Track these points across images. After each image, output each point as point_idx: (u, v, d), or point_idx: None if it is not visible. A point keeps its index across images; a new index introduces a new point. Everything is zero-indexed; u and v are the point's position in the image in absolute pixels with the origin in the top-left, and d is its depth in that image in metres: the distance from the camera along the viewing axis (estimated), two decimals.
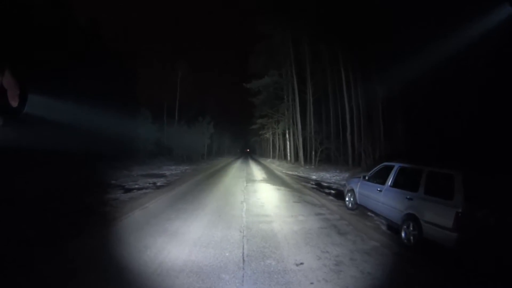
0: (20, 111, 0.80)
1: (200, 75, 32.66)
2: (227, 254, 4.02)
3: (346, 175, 15.14)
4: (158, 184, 11.55)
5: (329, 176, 16.38)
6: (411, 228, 4.67)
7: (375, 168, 6.82)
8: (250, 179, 14.55)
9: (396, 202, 5.31)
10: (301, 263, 3.78)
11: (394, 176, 5.77)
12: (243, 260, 3.83)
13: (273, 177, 16.25)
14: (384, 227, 5.83)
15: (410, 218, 4.74)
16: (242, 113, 46.74)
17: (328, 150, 23.85)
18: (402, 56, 14.37)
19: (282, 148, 38.16)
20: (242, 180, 14.14)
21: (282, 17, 25.13)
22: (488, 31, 9.08)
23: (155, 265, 3.57)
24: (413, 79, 13.30)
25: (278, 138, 39.42)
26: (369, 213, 6.73)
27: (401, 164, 5.79)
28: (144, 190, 9.73)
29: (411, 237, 4.65)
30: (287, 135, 32.71)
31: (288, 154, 31.79)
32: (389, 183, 5.79)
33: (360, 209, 7.13)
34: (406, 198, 5.01)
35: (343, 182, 11.23)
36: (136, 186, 10.67)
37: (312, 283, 3.25)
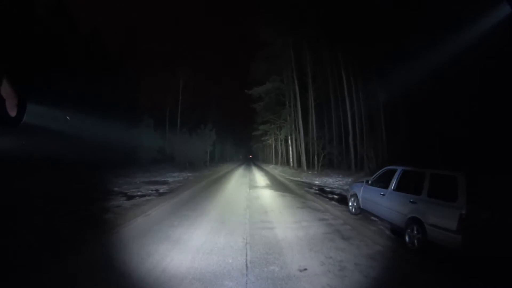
0: (19, 120, 0.80)
1: (202, 82, 32.73)
2: (230, 260, 4.00)
3: (349, 180, 15.08)
4: (161, 191, 11.55)
5: (332, 181, 16.30)
6: (415, 232, 4.64)
7: (378, 172, 6.80)
8: (253, 185, 14.51)
9: (399, 206, 5.27)
10: (305, 269, 3.74)
11: (397, 179, 5.74)
12: (247, 267, 3.80)
13: (275, 183, 16.20)
14: (388, 231, 5.78)
15: (414, 221, 4.70)
16: (244, 120, 46.85)
17: (331, 155, 23.78)
18: (403, 59, 14.41)
19: (284, 154, 38.13)
20: (245, 186, 14.11)
21: (283, 24, 25.33)
22: (487, 31, 9.11)
23: (158, 272, 3.55)
24: (414, 82, 13.33)
25: (281, 144, 39.42)
26: (373, 218, 6.67)
27: (404, 168, 5.77)
28: (146, 197, 9.72)
29: (415, 241, 4.61)
30: (289, 141, 32.72)
31: (291, 160, 31.74)
32: (392, 187, 5.76)
33: (364, 214, 7.08)
34: (410, 201, 4.97)
35: (346, 187, 11.17)
36: (139, 193, 10.67)
37: None
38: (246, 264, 3.88)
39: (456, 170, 4.40)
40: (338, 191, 12.26)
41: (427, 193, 4.69)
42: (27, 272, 3.50)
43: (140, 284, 3.29)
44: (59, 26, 18.07)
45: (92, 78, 19.24)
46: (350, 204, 7.64)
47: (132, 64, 28.31)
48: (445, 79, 12.11)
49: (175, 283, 3.27)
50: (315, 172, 22.74)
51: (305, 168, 25.07)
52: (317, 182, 16.62)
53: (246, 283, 3.34)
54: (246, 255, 4.23)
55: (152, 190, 11.54)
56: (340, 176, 18.25)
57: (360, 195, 7.12)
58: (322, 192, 12.23)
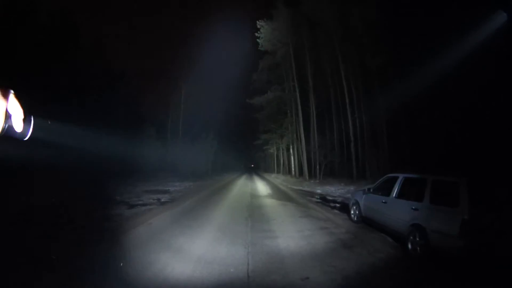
0: (25, 135, 0.83)
1: (204, 91, 32.88)
2: (232, 270, 3.97)
3: (351, 188, 15.00)
4: (162, 200, 11.53)
5: (334, 190, 16.23)
6: (418, 238, 4.62)
7: (380, 180, 6.80)
8: (254, 195, 14.47)
9: (401, 213, 5.26)
10: (307, 278, 3.71)
11: (398, 187, 5.73)
12: (248, 276, 3.77)
13: (277, 192, 16.15)
14: (390, 239, 5.72)
15: (416, 228, 4.68)
16: (246, 129, 46.88)
17: (333, 163, 23.73)
18: (404, 67, 14.55)
19: (286, 162, 38.04)
20: (246, 195, 14.07)
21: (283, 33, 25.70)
22: (485, 39, 9.24)
23: (159, 281, 3.54)
24: (416, 89, 13.41)
25: (282, 153, 39.38)
26: (375, 225, 6.63)
27: (405, 175, 5.78)
28: (148, 206, 9.71)
29: (418, 247, 4.59)
30: (291, 150, 32.69)
31: (293, 169, 31.64)
32: (394, 194, 5.75)
33: (366, 222, 7.03)
34: (412, 208, 4.96)
35: (347, 195, 11.12)
36: (140, 202, 10.65)
37: None
38: (248, 274, 3.85)
39: (458, 176, 4.41)
40: (340, 199, 12.20)
41: (429, 200, 4.68)
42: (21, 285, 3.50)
43: None
44: (62, 37, 18.41)
45: (94, 88, 19.47)
46: (352, 212, 7.60)
47: (134, 73, 28.65)
48: (446, 86, 12.20)
49: None
50: (317, 180, 22.66)
51: (307, 177, 24.98)
52: (319, 190, 16.56)
53: None
54: (248, 264, 4.19)
55: (153, 199, 11.52)
56: (342, 184, 18.17)
57: (362, 203, 7.09)
58: (324, 200, 12.18)
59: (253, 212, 9.05)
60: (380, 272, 3.89)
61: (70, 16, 20.26)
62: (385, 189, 6.21)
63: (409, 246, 4.77)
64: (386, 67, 17.68)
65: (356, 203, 7.38)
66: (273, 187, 20.56)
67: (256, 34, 26.26)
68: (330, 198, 13.06)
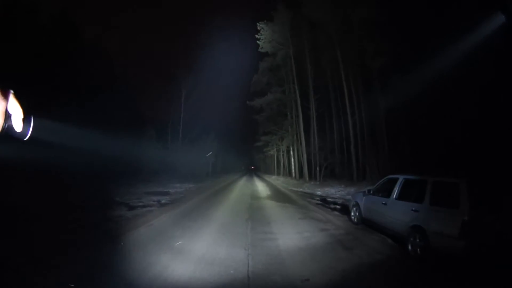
0: (25, 135, 0.84)
1: (204, 92, 32.95)
2: (232, 271, 3.97)
3: (351, 190, 14.99)
4: (163, 201, 11.53)
5: (334, 191, 16.22)
6: (418, 240, 4.62)
7: (380, 181, 6.80)
8: (255, 196, 14.46)
9: (401, 215, 5.26)
10: (307, 279, 3.71)
11: (398, 188, 5.73)
12: (248, 277, 3.77)
13: (278, 194, 16.14)
14: (390, 240, 5.72)
15: (416, 229, 4.68)
16: (246, 131, 46.89)
17: (333, 165, 23.74)
18: (404, 68, 14.58)
19: (286, 164, 38.02)
20: (247, 197, 14.06)
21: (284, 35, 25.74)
22: (483, 40, 9.28)
23: (159, 282, 3.54)
24: (416, 89, 13.44)
25: (283, 154, 39.36)
26: (375, 227, 6.63)
27: (406, 176, 5.78)
28: (148, 208, 9.71)
29: (418, 249, 4.59)
30: (291, 152, 32.70)
31: (293, 171, 31.63)
32: (394, 196, 5.75)
33: (366, 223, 7.03)
34: (412, 209, 4.96)
35: (348, 197, 11.11)
36: (141, 203, 10.65)
37: None
38: (248, 275, 3.86)
39: (458, 177, 4.42)
40: (340, 201, 12.19)
41: (429, 201, 4.69)
42: (23, 282, 3.50)
43: None
44: (62, 37, 18.46)
45: (95, 89, 19.51)
46: (352, 214, 7.60)
47: (134, 73, 28.71)
48: (446, 86, 12.22)
49: None
50: (317, 182, 22.64)
51: (307, 178, 24.97)
52: (319, 192, 16.55)
53: None
54: (248, 266, 4.20)
55: (154, 201, 11.52)
56: (342, 186, 18.16)
57: (362, 205, 7.09)
58: (324, 202, 12.17)
59: (253, 213, 9.05)
60: (380, 274, 3.90)
61: (70, 17, 20.36)
62: (385, 191, 6.21)
63: (409, 247, 4.77)
64: (386, 68, 17.71)
65: (356, 205, 7.37)
66: (273, 188, 20.55)
67: (256, 36, 26.30)
68: (330, 199, 13.04)
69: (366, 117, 20.41)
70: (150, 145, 26.24)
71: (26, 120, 0.82)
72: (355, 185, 17.29)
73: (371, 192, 6.78)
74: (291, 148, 32.44)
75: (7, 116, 0.75)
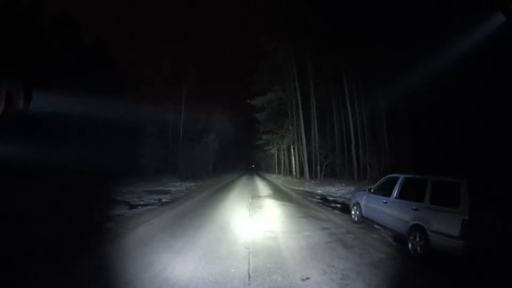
0: (25, 109, 0.87)
1: (205, 92, 32.96)
2: (232, 270, 3.98)
3: (352, 188, 15.00)
4: (163, 200, 11.55)
5: (335, 190, 16.23)
6: (418, 239, 4.63)
7: (380, 181, 6.80)
8: (255, 195, 14.46)
9: (402, 213, 5.27)
10: (307, 278, 3.72)
11: (399, 187, 5.74)
12: (249, 276, 3.78)
13: (278, 193, 16.15)
14: (390, 239, 5.74)
15: (417, 228, 4.69)
16: (247, 129, 46.86)
17: (333, 164, 23.72)
18: (405, 66, 14.54)
19: (287, 163, 38.01)
20: (247, 196, 14.06)
21: (285, 35, 25.67)
22: (483, 39, 9.25)
23: (160, 281, 3.55)
24: (417, 89, 13.42)
25: (283, 153, 39.35)
26: (375, 226, 6.64)
27: (406, 175, 5.79)
28: (149, 207, 9.73)
29: (418, 248, 4.60)
30: (292, 150, 32.66)
31: (294, 169, 31.62)
32: (395, 195, 5.76)
33: (366, 222, 7.04)
34: (412, 209, 4.97)
35: (348, 196, 11.12)
36: (141, 202, 10.68)
37: None
38: (249, 274, 3.86)
39: (458, 176, 4.42)
40: (340, 200, 12.20)
41: (429, 200, 4.69)
42: (27, 279, 3.52)
43: None
44: (65, 37, 18.48)
45: (95, 88, 19.51)
46: (352, 212, 7.60)
47: (135, 73, 28.71)
48: (446, 86, 12.20)
49: None
50: (318, 181, 22.65)
51: (307, 177, 24.98)
52: (319, 191, 16.56)
53: None
54: (249, 264, 4.20)
55: (154, 200, 11.55)
56: (343, 185, 18.17)
57: (362, 204, 7.09)
58: (324, 201, 12.18)
59: (254, 212, 9.05)
60: (380, 273, 3.90)
61: (71, 17, 20.37)
62: (385, 190, 6.21)
63: (410, 246, 4.79)
64: (386, 67, 17.65)
65: (357, 204, 7.38)
66: (274, 187, 20.56)
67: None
68: (331, 198, 13.06)
69: (367, 116, 20.40)
70: (151, 143, 26.24)
71: (26, 96, 0.86)
72: (356, 184, 17.30)
73: (372, 191, 6.79)
74: (291, 147, 32.41)
75: (8, 93, 0.80)
